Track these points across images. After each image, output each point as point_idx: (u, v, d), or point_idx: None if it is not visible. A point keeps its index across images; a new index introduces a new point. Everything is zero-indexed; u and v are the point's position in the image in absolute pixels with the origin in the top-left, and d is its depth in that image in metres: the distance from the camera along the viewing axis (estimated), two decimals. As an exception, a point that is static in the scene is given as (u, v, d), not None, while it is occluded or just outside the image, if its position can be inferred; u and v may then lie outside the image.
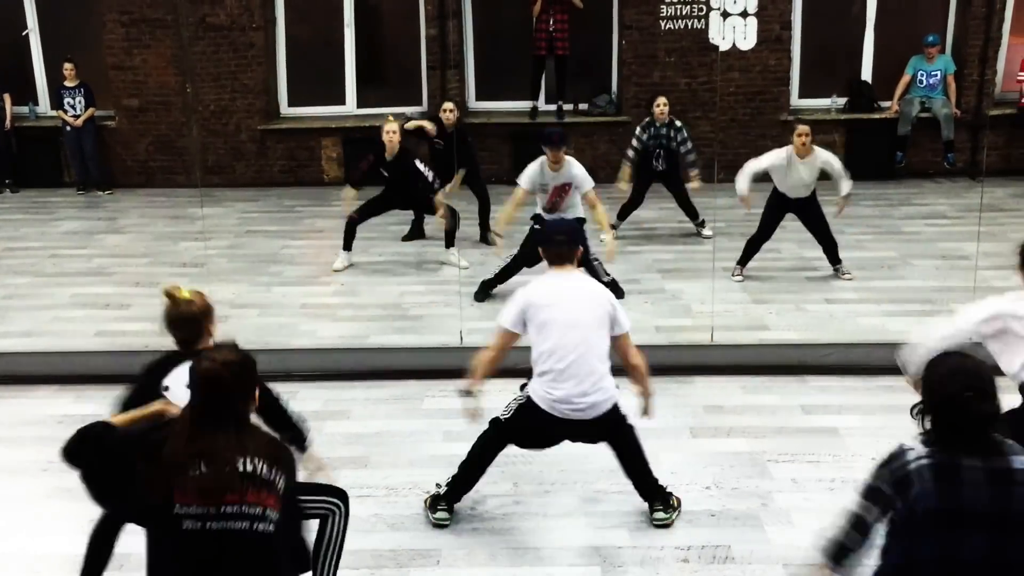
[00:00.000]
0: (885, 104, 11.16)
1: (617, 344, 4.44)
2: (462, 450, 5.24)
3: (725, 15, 9.93)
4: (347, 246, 8.52)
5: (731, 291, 7.57)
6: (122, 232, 9.94)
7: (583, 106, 11.45)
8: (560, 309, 4.35)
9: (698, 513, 4.60)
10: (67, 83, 11.23)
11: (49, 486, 4.96)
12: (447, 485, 4.67)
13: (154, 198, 11.14)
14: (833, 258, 7.97)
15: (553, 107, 11.25)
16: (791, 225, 9.44)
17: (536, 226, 7.33)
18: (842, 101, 11.21)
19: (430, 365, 6.33)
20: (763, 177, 7.90)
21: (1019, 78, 10.82)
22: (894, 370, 6.05)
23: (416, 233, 9.35)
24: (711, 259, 7.52)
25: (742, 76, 10.96)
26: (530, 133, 10.16)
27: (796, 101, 11.34)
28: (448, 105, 9.11)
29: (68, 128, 11.28)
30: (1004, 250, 8.71)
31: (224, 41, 11.31)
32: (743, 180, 7.82)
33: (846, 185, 7.84)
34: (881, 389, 5.90)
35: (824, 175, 7.80)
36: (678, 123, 8.99)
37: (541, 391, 4.40)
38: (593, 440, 4.56)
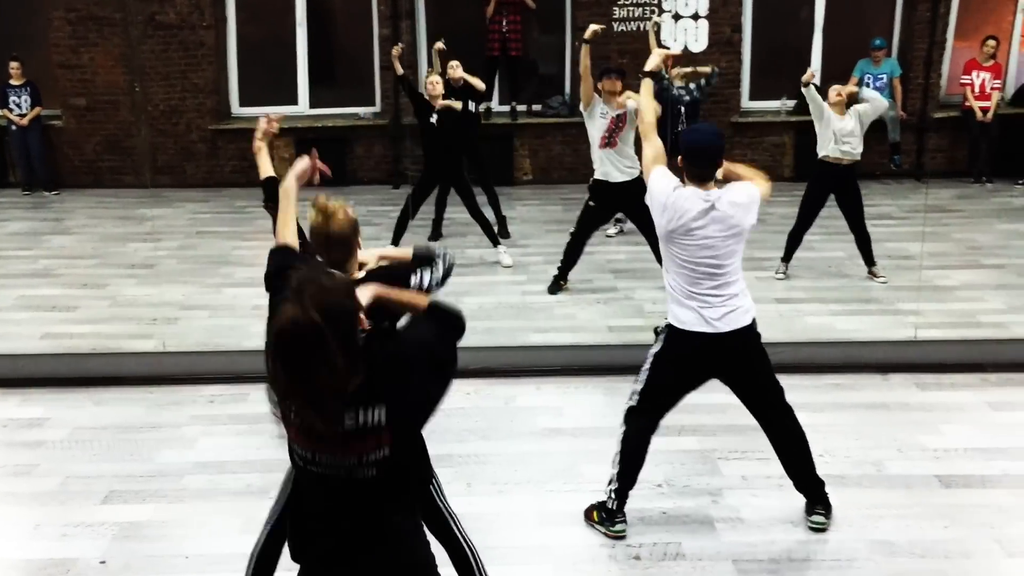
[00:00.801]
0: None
1: None
2: (431, 450, 5.25)
3: (677, 18, 10.07)
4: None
5: (683, 291, 7.63)
6: (69, 233, 9.79)
7: (536, 107, 11.49)
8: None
9: (649, 511, 4.63)
10: (12, 82, 11.04)
11: (-6, 491, 4.88)
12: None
13: (102, 199, 10.98)
14: (867, 257, 7.92)
15: (507, 108, 11.27)
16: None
17: (591, 202, 7.56)
18: (792, 103, 11.36)
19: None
20: (799, 174, 7.95)
21: (963, 81, 11.04)
22: (842, 368, 6.20)
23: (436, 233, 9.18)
24: (662, 260, 7.58)
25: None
26: (484, 134, 10.15)
27: (747, 103, 11.47)
28: (454, 63, 8.98)
29: (13, 127, 11.09)
30: (948, 250, 8.95)
31: (174, 40, 11.18)
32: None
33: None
34: (829, 387, 5.99)
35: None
36: (691, 84, 8.81)
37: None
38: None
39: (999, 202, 10.32)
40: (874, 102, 7.81)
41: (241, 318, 7.27)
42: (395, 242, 8.39)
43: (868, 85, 11.06)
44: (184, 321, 7.17)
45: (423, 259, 3.59)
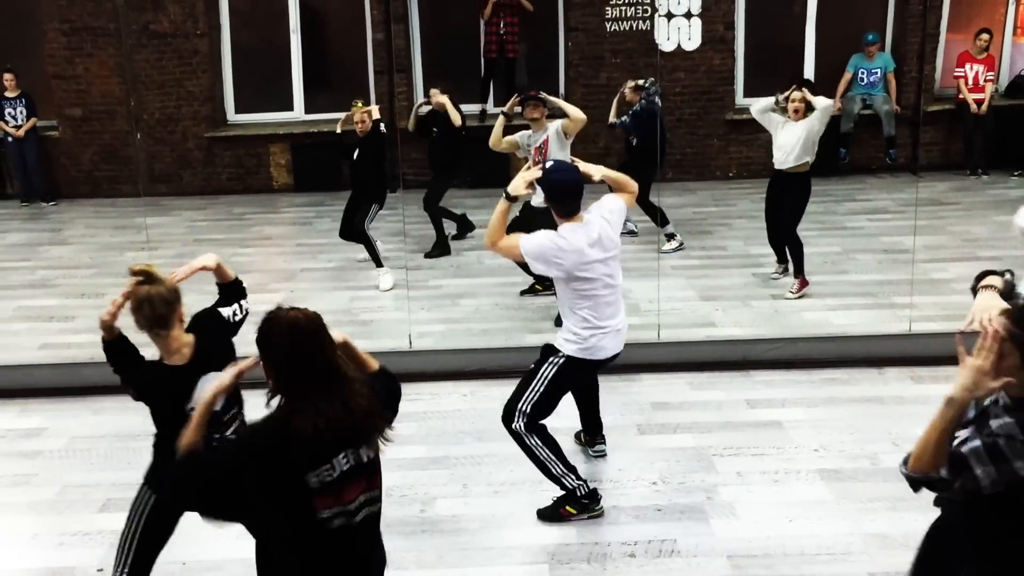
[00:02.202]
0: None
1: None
2: (411, 453, 5.27)
3: (670, 16, 10.09)
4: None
5: (678, 289, 7.65)
6: (67, 243, 9.81)
7: (531, 109, 11.48)
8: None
9: (645, 508, 4.65)
10: (8, 93, 11.07)
11: (-8, 501, 4.90)
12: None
13: (99, 208, 11.01)
14: (781, 256, 7.78)
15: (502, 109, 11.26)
16: (737, 223, 9.58)
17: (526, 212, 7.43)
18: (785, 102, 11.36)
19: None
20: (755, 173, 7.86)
21: (956, 74, 11.05)
22: (837, 362, 6.22)
23: (442, 248, 8.95)
24: (657, 257, 7.61)
25: (688, 76, 11.08)
26: (480, 136, 10.16)
27: (741, 100, 11.47)
28: (435, 91, 9.00)
29: (10, 139, 11.12)
30: (943, 243, 8.96)
31: (168, 48, 11.22)
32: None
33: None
34: (824, 382, 6.01)
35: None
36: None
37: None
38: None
39: (994, 194, 10.32)
40: (822, 108, 7.41)
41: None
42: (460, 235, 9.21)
43: (862, 80, 11.10)
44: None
45: (232, 293, 3.83)
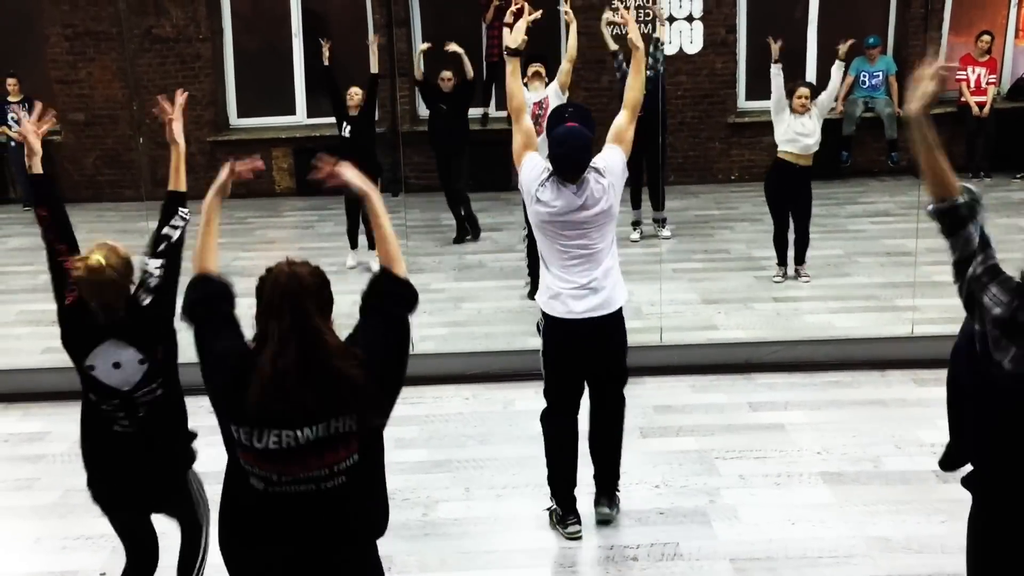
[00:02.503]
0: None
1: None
2: (413, 456, 5.27)
3: (672, 20, 10.10)
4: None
5: (680, 292, 7.65)
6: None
7: (534, 111, 11.51)
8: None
9: (647, 511, 4.65)
10: (11, 98, 11.08)
11: (-5, 505, 4.91)
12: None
13: (102, 212, 11.02)
14: (800, 256, 7.93)
15: (504, 113, 11.29)
16: (739, 225, 9.57)
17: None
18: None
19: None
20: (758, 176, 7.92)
21: (958, 77, 11.05)
22: (839, 365, 6.21)
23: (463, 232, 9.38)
24: (660, 261, 7.61)
25: (689, 79, 11.09)
26: (481, 139, 10.18)
27: (743, 103, 11.49)
28: (446, 74, 9.23)
29: (13, 144, 11.12)
30: (946, 245, 8.92)
31: (171, 53, 11.23)
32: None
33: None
34: (827, 384, 6.01)
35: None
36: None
37: None
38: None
39: (997, 196, 10.31)
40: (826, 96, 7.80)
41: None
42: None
43: (864, 83, 11.10)
44: (184, 332, 7.18)
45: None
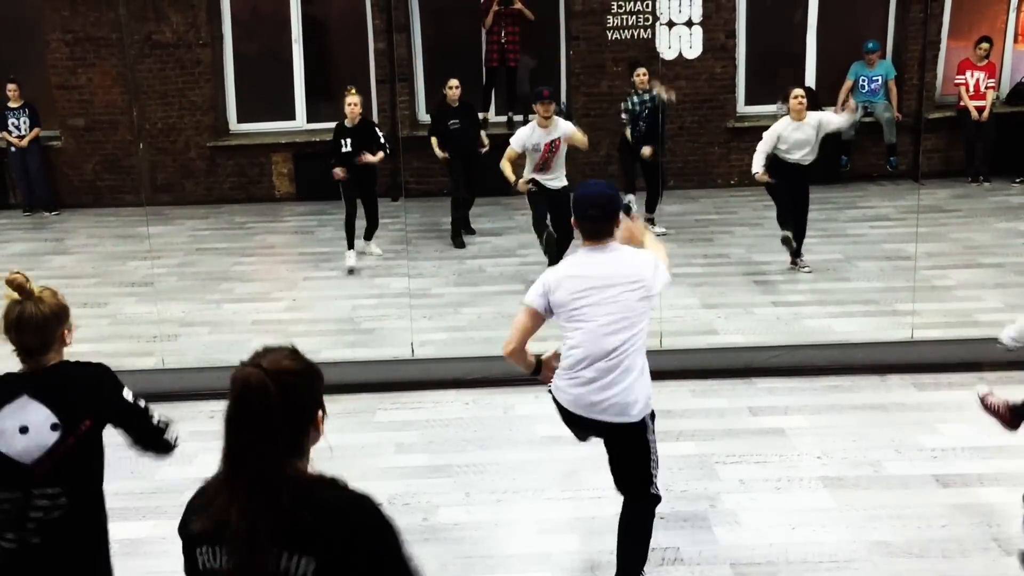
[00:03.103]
0: (829, 109, 11.33)
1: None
2: (414, 461, 5.28)
3: (671, 25, 10.11)
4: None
5: (680, 297, 7.65)
6: (70, 253, 9.83)
7: (533, 116, 11.51)
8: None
9: (648, 516, 4.64)
10: (11, 104, 11.10)
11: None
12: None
13: (102, 218, 11.03)
14: (797, 249, 8.21)
15: (503, 118, 11.31)
16: (739, 230, 9.58)
17: (532, 188, 7.95)
18: (787, 107, 11.38)
19: (382, 378, 6.34)
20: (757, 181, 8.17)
21: (957, 81, 11.06)
22: (839, 369, 6.21)
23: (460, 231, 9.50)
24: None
25: (689, 84, 11.09)
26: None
27: (742, 108, 11.50)
28: (453, 82, 9.46)
29: (13, 149, 11.14)
30: (945, 250, 8.95)
31: (171, 58, 11.25)
32: (759, 158, 7.98)
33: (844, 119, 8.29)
34: (827, 389, 6.01)
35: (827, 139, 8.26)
36: (655, 91, 9.26)
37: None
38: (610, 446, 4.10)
39: (996, 201, 10.33)
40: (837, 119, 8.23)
41: (241, 334, 7.30)
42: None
43: (863, 87, 11.11)
44: (184, 338, 7.20)
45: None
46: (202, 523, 2.09)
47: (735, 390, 6.04)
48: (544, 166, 7.86)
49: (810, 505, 4.73)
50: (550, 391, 4.10)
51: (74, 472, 2.85)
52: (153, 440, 3.11)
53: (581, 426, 4.08)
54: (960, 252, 8.61)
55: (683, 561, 4.30)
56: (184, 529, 2.18)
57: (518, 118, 11.34)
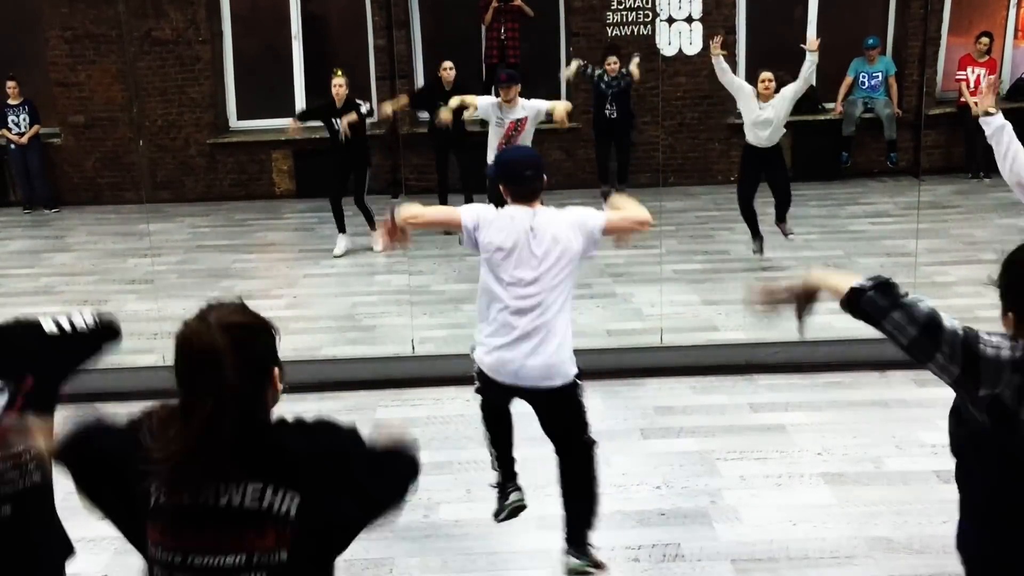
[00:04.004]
0: (829, 106, 11.34)
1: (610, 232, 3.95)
2: (414, 458, 5.27)
3: (671, 21, 10.10)
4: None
5: (681, 293, 7.66)
6: (70, 250, 9.83)
7: (533, 113, 11.53)
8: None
9: (648, 513, 4.65)
10: (10, 101, 11.09)
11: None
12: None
13: (102, 215, 11.03)
14: (781, 216, 8.38)
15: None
16: (739, 226, 9.55)
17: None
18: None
19: (383, 375, 6.34)
20: (797, 174, 8.54)
21: (958, 77, 11.06)
22: (840, 366, 6.21)
23: None
24: (660, 262, 7.61)
25: (689, 81, 11.09)
26: (481, 141, 10.16)
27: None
28: (447, 63, 9.58)
29: (12, 146, 11.14)
30: (945, 246, 8.95)
31: (170, 55, 11.24)
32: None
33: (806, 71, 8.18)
34: (827, 385, 6.01)
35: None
36: (625, 71, 10.03)
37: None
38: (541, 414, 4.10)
39: (997, 197, 10.30)
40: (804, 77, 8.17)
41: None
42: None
43: (863, 84, 11.11)
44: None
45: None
46: (161, 454, 1.98)
47: (736, 386, 6.05)
48: (507, 144, 7.84)
49: (811, 501, 4.73)
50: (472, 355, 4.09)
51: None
52: (98, 344, 3.04)
53: (504, 393, 4.07)
54: (960, 248, 8.61)
55: (684, 557, 4.30)
56: (128, 464, 2.04)
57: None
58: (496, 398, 4.18)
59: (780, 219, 8.41)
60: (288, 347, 7.21)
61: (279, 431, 2.07)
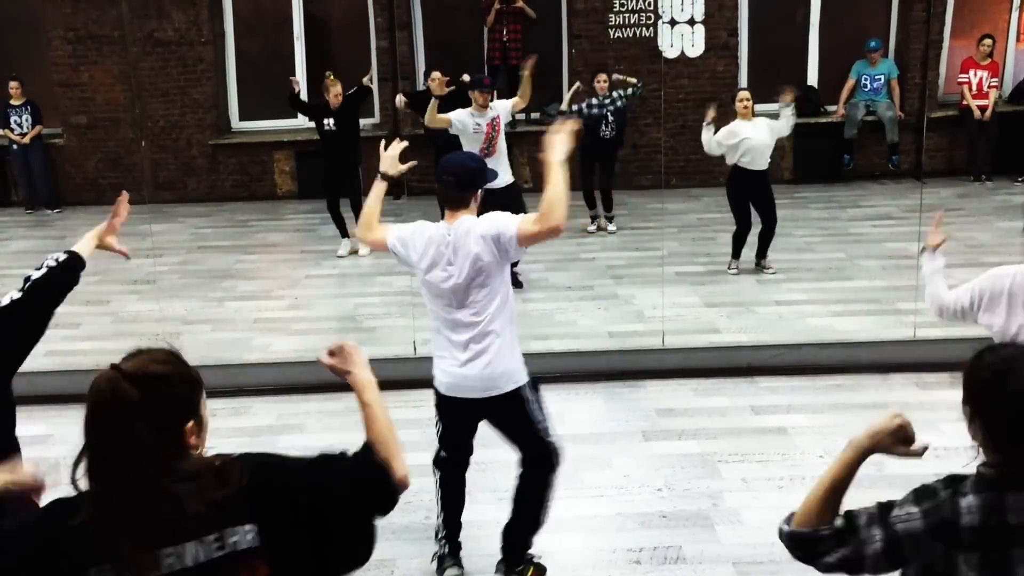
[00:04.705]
0: (831, 108, 11.35)
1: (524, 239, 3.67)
2: (415, 460, 5.25)
3: (673, 23, 10.10)
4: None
5: (682, 295, 7.66)
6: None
7: (535, 114, 11.53)
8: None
9: (650, 515, 4.65)
10: (13, 101, 11.10)
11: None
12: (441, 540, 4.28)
13: (104, 215, 10.77)
14: (762, 251, 8.24)
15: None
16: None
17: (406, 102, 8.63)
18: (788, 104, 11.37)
19: (384, 376, 6.19)
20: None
21: (960, 80, 11.05)
22: (842, 369, 6.21)
23: None
24: (662, 264, 7.61)
25: (691, 83, 11.09)
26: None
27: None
28: (435, 74, 9.35)
29: (15, 147, 11.15)
30: (948, 248, 8.90)
31: (172, 56, 11.25)
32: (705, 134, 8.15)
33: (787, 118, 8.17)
34: (829, 388, 6.01)
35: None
36: (615, 93, 9.54)
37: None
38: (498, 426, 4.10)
39: (999, 200, 10.32)
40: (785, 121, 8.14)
41: (243, 332, 7.30)
42: None
43: (865, 86, 11.10)
44: (186, 336, 7.19)
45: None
46: (89, 540, 1.87)
47: (737, 389, 6.04)
48: (488, 149, 7.69)
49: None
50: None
51: None
52: (56, 292, 3.25)
53: (462, 418, 4.04)
54: (962, 251, 8.58)
55: (685, 560, 4.30)
56: (59, 557, 1.89)
57: (520, 116, 11.34)
58: (455, 428, 4.13)
59: (761, 255, 8.25)
60: (288, 348, 7.28)
61: (212, 473, 1.95)
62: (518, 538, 4.17)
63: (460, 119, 7.77)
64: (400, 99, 9.53)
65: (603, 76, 9.59)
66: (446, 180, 3.90)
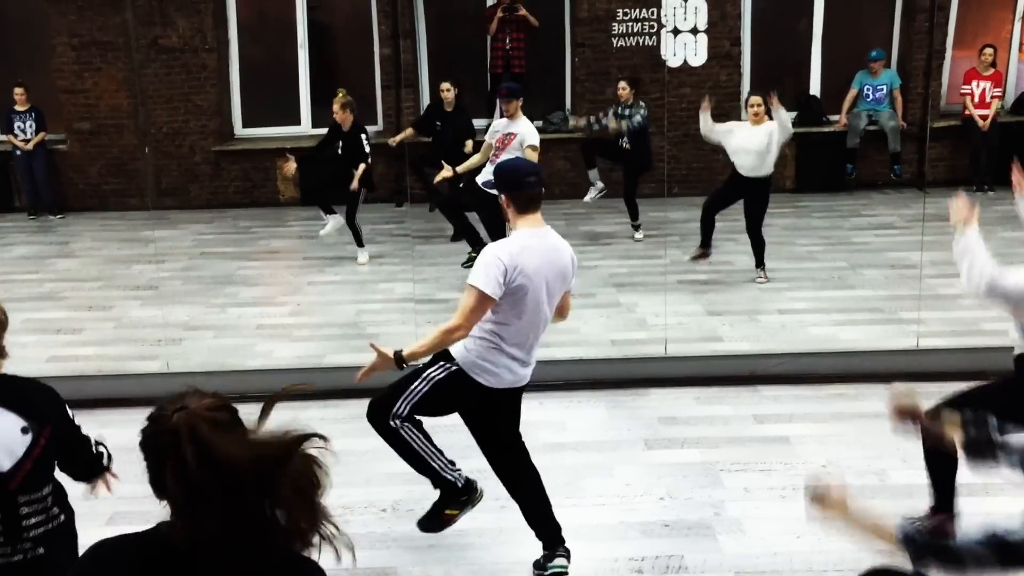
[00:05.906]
0: (834, 118, 11.36)
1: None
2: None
3: (676, 32, 10.12)
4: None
5: (685, 304, 7.66)
6: (74, 256, 9.85)
7: (538, 123, 11.52)
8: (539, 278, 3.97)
9: (652, 523, 4.64)
10: (17, 107, 11.12)
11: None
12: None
13: (107, 221, 11.05)
14: (758, 260, 8.24)
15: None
16: (742, 237, 9.55)
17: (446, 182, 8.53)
18: (792, 115, 11.39)
19: (386, 382, 6.31)
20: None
21: (963, 91, 11.06)
22: (844, 378, 6.20)
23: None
24: (664, 272, 7.61)
25: (694, 92, 11.08)
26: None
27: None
28: (445, 85, 9.54)
29: (19, 152, 11.17)
30: (950, 258, 8.87)
31: (176, 63, 11.27)
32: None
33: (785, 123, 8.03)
34: (832, 397, 6.00)
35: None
36: (631, 110, 9.53)
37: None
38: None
39: (1001, 210, 10.27)
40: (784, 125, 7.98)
41: (245, 338, 7.30)
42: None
43: (868, 96, 11.12)
44: (189, 342, 7.20)
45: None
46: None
47: (739, 397, 6.04)
48: (493, 159, 7.87)
49: (815, 514, 4.70)
50: (458, 370, 4.09)
51: (49, 477, 2.92)
52: (86, 468, 3.28)
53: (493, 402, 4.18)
54: (965, 261, 8.59)
55: (687, 569, 4.29)
56: None
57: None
58: (456, 409, 4.32)
59: (758, 264, 8.27)
60: (291, 355, 7.29)
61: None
62: (544, 511, 4.27)
63: (492, 132, 8.11)
64: (393, 143, 9.71)
65: (623, 84, 9.67)
66: (532, 181, 4.02)
